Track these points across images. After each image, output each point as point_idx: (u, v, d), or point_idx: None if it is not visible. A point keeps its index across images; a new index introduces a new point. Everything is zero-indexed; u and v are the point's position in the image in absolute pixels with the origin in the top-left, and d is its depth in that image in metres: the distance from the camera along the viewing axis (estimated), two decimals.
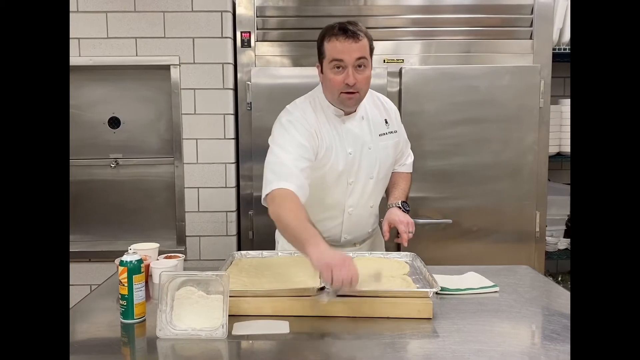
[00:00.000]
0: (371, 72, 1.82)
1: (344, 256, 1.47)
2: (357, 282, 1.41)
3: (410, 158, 2.16)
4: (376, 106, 2.00)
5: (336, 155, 1.87)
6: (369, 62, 1.79)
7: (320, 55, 1.83)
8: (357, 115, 1.91)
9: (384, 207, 2.04)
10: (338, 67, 1.76)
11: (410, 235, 1.86)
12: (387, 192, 2.07)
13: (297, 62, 2.72)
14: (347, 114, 1.89)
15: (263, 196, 1.76)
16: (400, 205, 1.95)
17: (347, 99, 1.81)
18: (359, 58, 1.75)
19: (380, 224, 1.96)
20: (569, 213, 3.22)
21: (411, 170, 2.16)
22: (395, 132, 2.00)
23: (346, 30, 1.74)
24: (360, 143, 1.90)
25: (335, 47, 1.75)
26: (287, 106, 1.95)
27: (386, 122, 1.99)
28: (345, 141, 1.88)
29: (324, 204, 1.92)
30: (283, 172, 1.73)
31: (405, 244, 1.85)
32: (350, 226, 1.97)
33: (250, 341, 1.36)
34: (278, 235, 2.12)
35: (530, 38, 2.72)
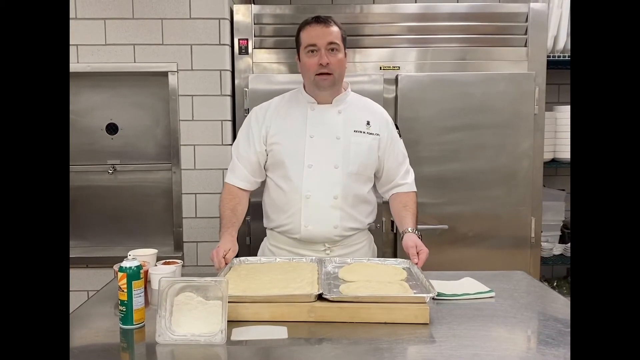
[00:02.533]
0: (345, 58, 1.96)
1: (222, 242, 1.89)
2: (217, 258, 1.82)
3: (410, 176, 2.12)
4: (362, 107, 2.06)
5: (292, 135, 1.98)
6: (341, 48, 1.93)
7: (298, 46, 1.98)
8: (332, 107, 2.00)
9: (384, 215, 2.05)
10: (312, 51, 1.91)
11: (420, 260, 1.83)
12: (398, 212, 2.05)
13: (293, 69, 2.73)
14: (320, 103, 1.99)
15: None
16: (419, 236, 1.93)
17: (321, 80, 1.93)
18: (331, 43, 1.90)
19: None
20: (564, 219, 3.24)
21: (415, 189, 2.12)
22: (377, 135, 2.02)
23: (318, 17, 1.92)
24: (326, 130, 1.98)
25: (309, 34, 1.92)
26: None
27: (368, 123, 2.02)
28: (309, 125, 1.98)
29: (286, 186, 1.98)
30: (231, 166, 2.08)
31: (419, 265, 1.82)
32: (310, 214, 1.96)
33: (249, 346, 1.37)
34: (264, 243, 2.16)
35: (525, 45, 2.75)
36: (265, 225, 2.13)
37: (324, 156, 1.96)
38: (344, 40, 1.94)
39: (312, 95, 2.00)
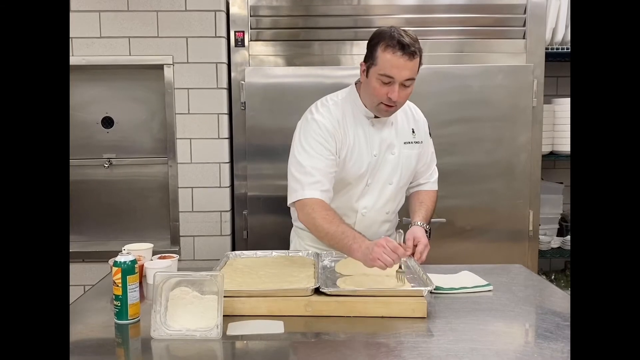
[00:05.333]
0: (413, 87, 1.81)
1: (380, 242, 1.56)
2: (403, 254, 1.55)
3: (435, 174, 2.12)
4: (406, 114, 1.99)
5: (359, 156, 1.88)
6: (414, 81, 1.79)
7: (371, 59, 1.78)
8: (387, 120, 1.92)
9: (401, 210, 2.08)
10: (385, 82, 1.75)
11: (422, 258, 1.81)
12: (413, 208, 2.04)
13: (290, 62, 2.72)
14: (376, 117, 1.90)
15: (290, 201, 1.85)
16: (427, 230, 1.92)
17: (384, 110, 1.82)
18: (408, 79, 1.75)
19: (397, 231, 1.84)
20: (562, 212, 3.24)
21: (437, 188, 2.12)
22: (421, 142, 1.99)
23: (404, 46, 1.71)
24: (386, 147, 1.91)
25: (390, 62, 1.72)
26: (318, 101, 1.95)
27: (413, 131, 1.98)
28: (371, 143, 1.89)
29: (338, 201, 1.91)
30: (308, 180, 1.80)
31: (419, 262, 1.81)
32: (363, 229, 1.92)
33: (245, 341, 1.36)
34: (293, 234, 2.12)
35: (523, 38, 2.73)
36: (301, 227, 2.00)
37: (381, 173, 1.92)
38: (419, 66, 1.79)
39: (369, 108, 1.88)
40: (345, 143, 1.87)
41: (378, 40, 1.76)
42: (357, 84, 1.93)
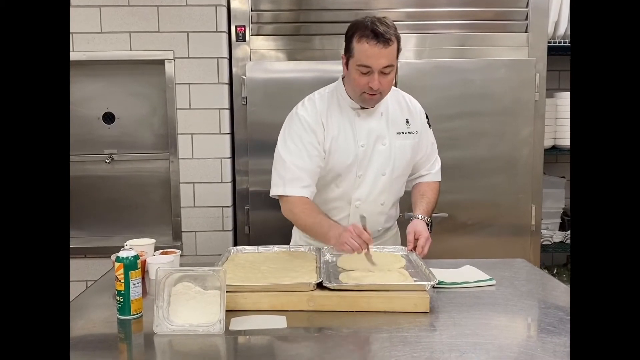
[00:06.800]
0: (395, 73, 1.82)
1: (349, 228, 1.69)
2: (367, 239, 1.66)
3: (437, 165, 2.11)
4: (399, 104, 1.98)
5: (346, 147, 1.88)
6: (394, 67, 1.79)
7: (348, 51, 1.80)
8: (375, 110, 1.91)
9: (403, 204, 2.08)
10: (364, 72, 1.76)
11: (424, 252, 1.83)
12: (414, 201, 2.03)
13: (292, 56, 2.71)
14: (363, 108, 1.90)
15: (271, 194, 1.92)
16: (428, 223, 1.92)
17: (368, 99, 1.83)
18: (386, 66, 1.75)
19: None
20: (564, 206, 3.23)
21: (439, 179, 2.11)
22: (416, 132, 1.97)
23: (378, 35, 1.71)
24: (375, 137, 1.90)
25: (365, 52, 1.73)
26: (306, 97, 1.98)
27: (407, 121, 1.96)
28: (358, 134, 1.89)
29: (331, 193, 1.94)
30: (288, 176, 1.86)
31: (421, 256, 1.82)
32: (358, 221, 1.95)
33: (248, 336, 1.36)
34: (294, 230, 2.12)
35: (526, 31, 2.72)
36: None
37: (373, 164, 1.91)
38: (398, 53, 1.79)
39: (354, 99, 1.89)
40: (329, 134, 1.88)
41: (353, 31, 1.78)
42: (343, 77, 1.93)
